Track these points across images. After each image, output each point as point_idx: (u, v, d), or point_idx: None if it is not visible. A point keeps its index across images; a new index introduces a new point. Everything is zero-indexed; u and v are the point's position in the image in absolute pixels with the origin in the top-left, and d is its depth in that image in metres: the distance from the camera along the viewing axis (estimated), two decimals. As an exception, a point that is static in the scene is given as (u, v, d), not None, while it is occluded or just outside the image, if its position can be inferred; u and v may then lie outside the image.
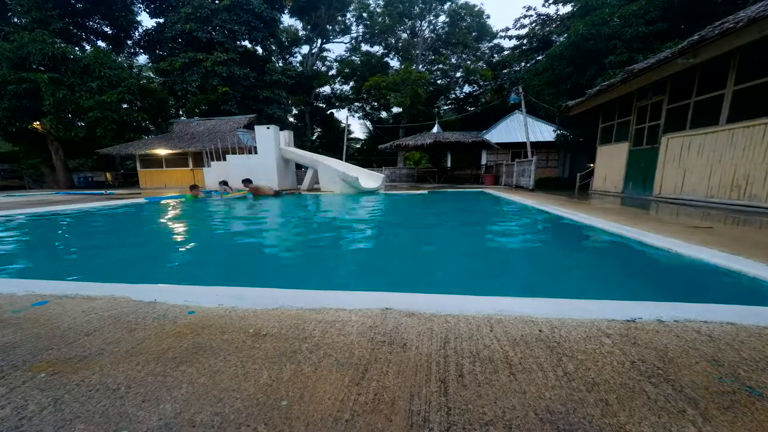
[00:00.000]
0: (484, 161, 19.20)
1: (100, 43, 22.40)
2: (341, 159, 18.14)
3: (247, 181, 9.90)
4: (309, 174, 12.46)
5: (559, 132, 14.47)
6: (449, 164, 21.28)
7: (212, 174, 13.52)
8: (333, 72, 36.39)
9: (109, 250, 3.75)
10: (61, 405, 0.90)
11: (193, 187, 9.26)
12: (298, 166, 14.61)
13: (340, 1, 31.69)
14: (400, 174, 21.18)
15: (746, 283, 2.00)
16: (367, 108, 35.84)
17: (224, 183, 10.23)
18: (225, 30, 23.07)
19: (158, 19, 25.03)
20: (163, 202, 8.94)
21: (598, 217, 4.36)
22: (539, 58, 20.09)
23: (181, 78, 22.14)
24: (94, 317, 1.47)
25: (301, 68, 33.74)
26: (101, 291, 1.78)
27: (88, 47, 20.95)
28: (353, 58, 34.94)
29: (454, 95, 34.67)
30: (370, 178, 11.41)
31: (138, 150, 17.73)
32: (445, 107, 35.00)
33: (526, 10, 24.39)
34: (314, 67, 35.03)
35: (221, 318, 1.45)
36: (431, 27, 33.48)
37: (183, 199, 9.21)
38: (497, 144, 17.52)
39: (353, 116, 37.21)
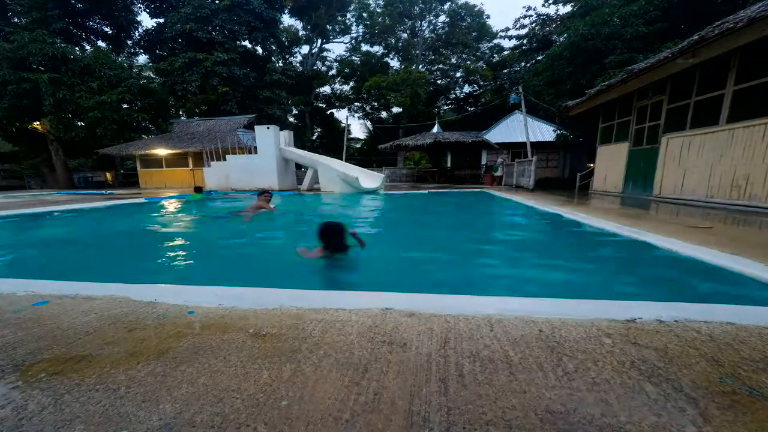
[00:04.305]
0: (484, 161, 19.18)
1: (100, 43, 22.38)
2: (341, 159, 18.12)
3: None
4: (309, 174, 12.46)
5: (559, 132, 14.47)
6: (449, 164, 21.26)
7: (212, 174, 13.53)
8: (333, 72, 36.38)
9: (110, 249, 3.75)
10: (61, 405, 0.90)
11: (198, 189, 9.38)
12: (298, 166, 14.61)
13: (340, 1, 31.67)
14: (400, 174, 21.18)
15: (746, 283, 2.00)
16: (367, 108, 35.82)
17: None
18: (225, 30, 23.04)
19: (158, 19, 24.99)
20: (165, 201, 8.99)
21: (598, 217, 4.36)
22: (539, 58, 20.07)
23: (181, 78, 22.11)
24: (94, 317, 1.47)
25: (301, 68, 33.72)
26: (101, 291, 1.78)
27: (88, 47, 20.94)
28: (353, 58, 34.91)
29: (454, 95, 34.66)
30: (370, 178, 11.41)
31: (138, 150, 17.71)
32: (445, 107, 34.98)
33: (526, 10, 24.36)
34: (314, 67, 35.01)
35: (221, 318, 1.45)
36: (431, 27, 33.46)
37: (184, 199, 9.29)
38: (497, 144, 17.51)
39: (353, 116, 37.22)
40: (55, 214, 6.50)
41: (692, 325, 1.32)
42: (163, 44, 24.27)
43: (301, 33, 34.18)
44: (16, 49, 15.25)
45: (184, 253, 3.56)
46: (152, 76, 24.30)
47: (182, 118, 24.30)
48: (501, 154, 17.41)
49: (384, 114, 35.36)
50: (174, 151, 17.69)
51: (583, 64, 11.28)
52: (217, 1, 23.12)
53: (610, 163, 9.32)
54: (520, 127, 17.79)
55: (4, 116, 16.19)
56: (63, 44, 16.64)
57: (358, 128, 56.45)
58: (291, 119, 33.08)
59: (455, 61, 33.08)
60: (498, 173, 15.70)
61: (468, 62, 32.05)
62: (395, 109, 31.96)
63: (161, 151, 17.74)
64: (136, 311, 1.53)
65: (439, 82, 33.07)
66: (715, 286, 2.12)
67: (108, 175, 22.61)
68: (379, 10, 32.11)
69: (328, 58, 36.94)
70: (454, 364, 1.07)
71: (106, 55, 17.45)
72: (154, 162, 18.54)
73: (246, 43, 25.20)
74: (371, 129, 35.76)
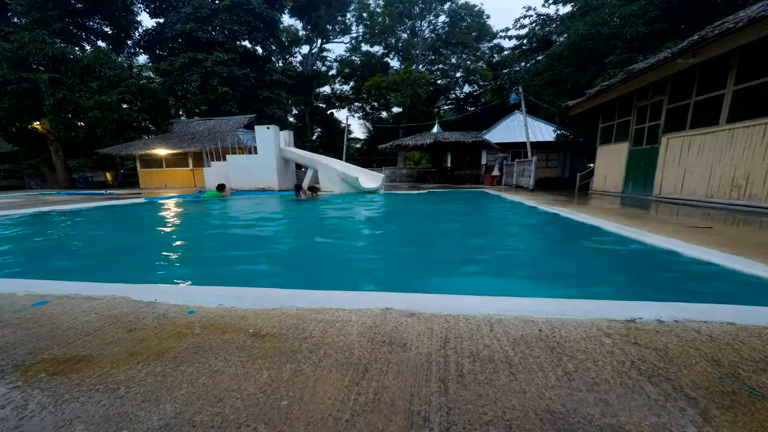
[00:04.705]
0: (484, 161, 19.19)
1: (100, 43, 22.38)
2: (341, 159, 18.13)
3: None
4: (309, 174, 12.46)
5: (559, 132, 14.47)
6: (449, 164, 21.28)
7: (212, 174, 13.53)
8: (333, 72, 36.41)
9: (109, 249, 3.75)
10: (61, 405, 0.90)
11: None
12: (298, 166, 14.61)
13: (340, 1, 31.68)
14: (400, 174, 21.19)
15: (746, 283, 2.00)
16: (367, 108, 35.85)
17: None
18: (225, 30, 23.06)
19: (158, 19, 25.01)
20: (171, 200, 9.11)
21: (598, 217, 4.36)
22: (539, 58, 20.09)
23: (181, 78, 22.11)
24: (94, 317, 1.47)
25: (301, 68, 33.73)
26: (101, 291, 1.78)
27: (88, 47, 20.94)
28: (353, 58, 34.94)
29: (454, 95, 34.69)
30: (370, 178, 11.41)
31: (138, 150, 17.72)
32: (445, 107, 35.02)
33: (526, 10, 24.37)
34: (314, 67, 35.03)
35: (221, 318, 1.45)
36: (431, 27, 33.51)
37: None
38: (497, 144, 17.52)
39: (353, 116, 37.27)
40: (55, 214, 6.51)
41: (692, 325, 1.32)
42: (163, 44, 24.28)
43: (301, 33, 34.21)
44: (16, 49, 15.23)
45: (184, 253, 3.56)
46: (152, 76, 24.32)
47: (182, 118, 24.32)
48: (497, 154, 17.45)
49: (384, 114, 35.39)
50: (174, 151, 17.70)
51: (583, 64, 11.29)
52: (217, 1, 23.13)
53: (610, 163, 9.32)
54: (520, 127, 17.80)
55: (4, 116, 16.18)
56: (63, 44, 16.62)
57: (358, 128, 56.40)
58: (291, 119, 33.10)
59: (455, 61, 33.12)
60: (494, 173, 15.70)
61: (468, 62, 32.08)
62: (395, 109, 31.99)
63: (161, 151, 17.75)
64: (136, 311, 1.53)
65: (439, 82, 33.09)
66: (716, 286, 2.12)
67: (108, 175, 22.61)
68: (379, 10, 32.14)
69: (328, 58, 36.99)
70: (454, 364, 1.07)
71: (106, 55, 17.44)
72: (154, 162, 18.55)
73: (246, 43, 25.21)
74: (371, 129, 35.78)
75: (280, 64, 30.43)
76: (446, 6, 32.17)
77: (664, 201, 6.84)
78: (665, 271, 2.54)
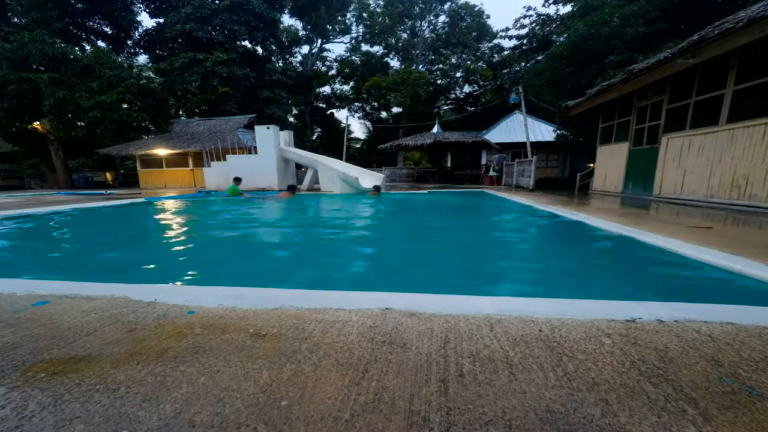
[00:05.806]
0: (484, 161, 19.18)
1: (100, 43, 22.38)
2: (341, 159, 18.14)
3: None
4: (309, 174, 12.46)
5: (559, 132, 14.47)
6: (449, 164, 21.28)
7: (212, 174, 13.52)
8: (333, 72, 36.40)
9: (109, 249, 3.76)
10: (61, 405, 0.90)
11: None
12: (298, 166, 14.61)
13: (340, 1, 31.69)
14: (400, 174, 21.20)
15: (746, 283, 2.00)
16: (367, 108, 35.85)
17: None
18: (225, 30, 23.06)
19: (158, 19, 25.02)
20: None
21: (598, 217, 4.36)
22: (539, 58, 20.11)
23: (181, 78, 22.12)
24: (94, 317, 1.47)
25: (301, 68, 33.74)
26: (101, 291, 1.78)
27: (88, 47, 20.94)
28: (353, 58, 34.94)
29: (454, 95, 34.70)
30: (370, 178, 11.41)
31: (138, 150, 17.72)
32: (445, 107, 35.02)
33: (526, 10, 24.42)
34: (314, 67, 35.02)
35: (221, 318, 1.45)
36: (431, 27, 33.50)
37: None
38: (497, 144, 17.52)
39: (353, 116, 37.27)
40: (55, 213, 6.51)
41: (692, 325, 1.32)
42: (163, 44, 24.29)
43: (301, 33, 34.20)
44: (16, 49, 15.23)
45: (186, 253, 3.57)
46: (152, 76, 24.30)
47: (182, 118, 24.32)
48: (494, 154, 17.45)
49: (384, 114, 35.40)
50: (174, 151, 17.70)
51: (583, 64, 11.29)
52: (217, 1, 23.13)
53: (610, 163, 9.32)
54: (520, 127, 17.80)
55: (4, 116, 16.18)
56: (63, 44, 16.62)
57: (358, 128, 56.49)
58: (291, 119, 33.09)
59: (455, 61, 33.11)
60: (491, 173, 15.70)
61: (468, 62, 32.08)
62: (395, 109, 32.01)
63: (161, 151, 17.75)
64: (136, 311, 1.53)
65: (439, 82, 33.09)
66: (716, 286, 2.12)
67: (108, 175, 22.63)
68: (379, 10, 32.12)
69: (328, 58, 37.00)
70: (454, 364, 1.07)
71: (106, 55, 17.43)
72: (154, 162, 18.55)
73: (246, 43, 25.22)
74: (371, 129, 35.79)
75: (280, 64, 30.44)
76: (446, 6, 32.18)
77: (664, 201, 6.84)
78: (664, 272, 2.54)
